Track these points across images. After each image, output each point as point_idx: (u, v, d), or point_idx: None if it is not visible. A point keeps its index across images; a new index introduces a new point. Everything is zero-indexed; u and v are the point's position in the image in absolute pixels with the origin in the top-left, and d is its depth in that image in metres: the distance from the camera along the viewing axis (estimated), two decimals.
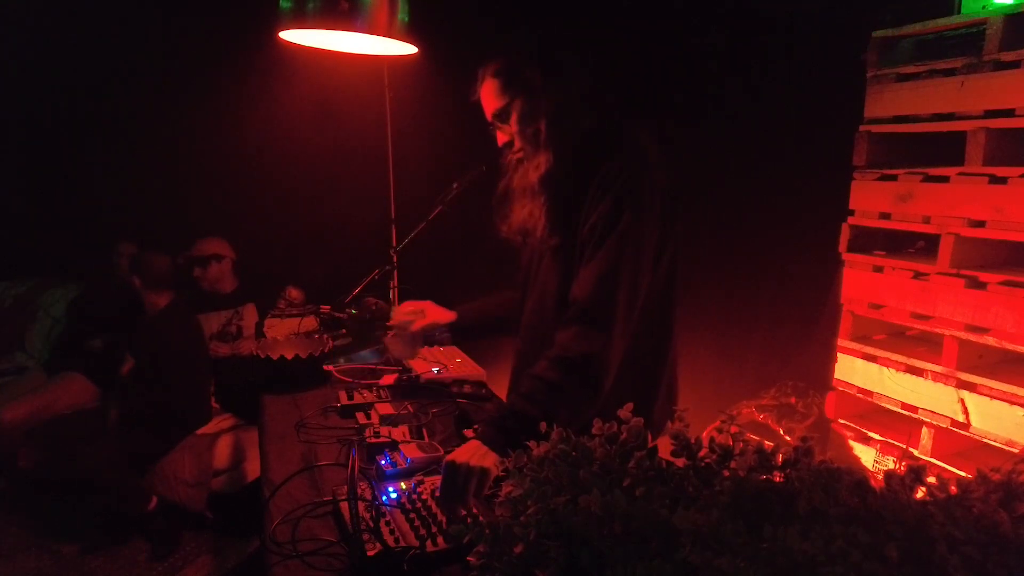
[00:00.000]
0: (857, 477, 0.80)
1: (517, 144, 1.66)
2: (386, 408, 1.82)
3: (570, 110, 1.60)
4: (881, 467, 2.70)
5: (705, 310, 3.23)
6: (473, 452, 1.33)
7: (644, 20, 3.28)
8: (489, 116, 1.68)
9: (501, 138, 1.69)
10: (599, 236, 1.51)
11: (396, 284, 3.09)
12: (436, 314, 2.06)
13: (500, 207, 1.76)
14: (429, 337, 2.22)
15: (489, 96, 1.65)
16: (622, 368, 1.50)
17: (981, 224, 2.37)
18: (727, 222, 3.36)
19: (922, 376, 2.54)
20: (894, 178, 2.63)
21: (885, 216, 2.67)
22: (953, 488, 0.77)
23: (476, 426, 1.69)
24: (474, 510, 1.28)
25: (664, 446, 0.95)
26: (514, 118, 1.63)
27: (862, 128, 2.75)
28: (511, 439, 1.26)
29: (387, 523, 1.25)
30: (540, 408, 1.39)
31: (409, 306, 2.07)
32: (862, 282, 2.75)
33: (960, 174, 2.41)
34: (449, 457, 1.32)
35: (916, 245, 2.83)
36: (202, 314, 3.61)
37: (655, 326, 1.63)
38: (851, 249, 2.80)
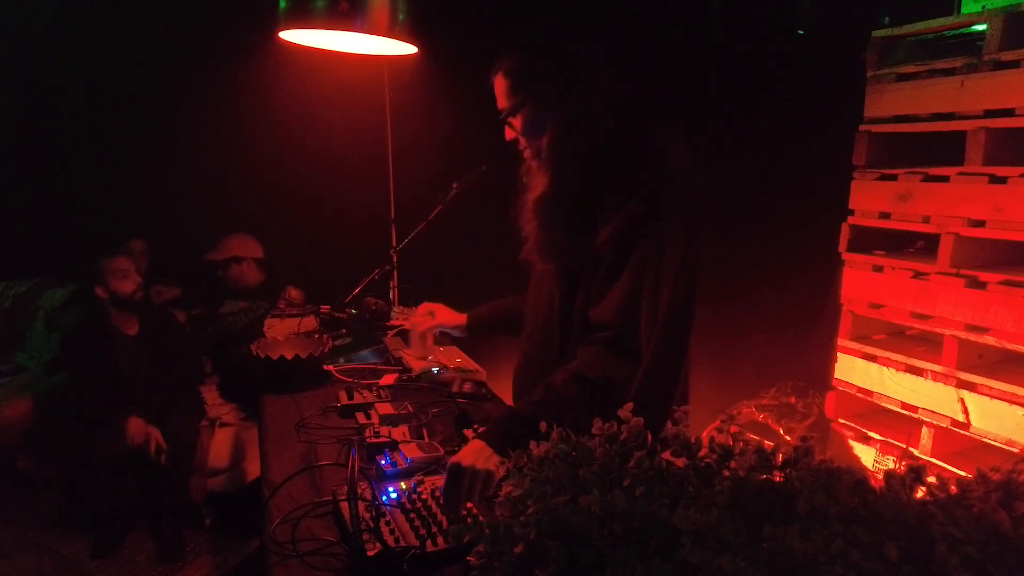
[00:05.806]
0: (857, 477, 0.80)
1: (523, 144, 1.58)
2: (386, 408, 1.82)
3: (584, 122, 1.50)
4: (881, 467, 2.70)
5: (705, 310, 3.23)
6: (478, 454, 1.31)
7: (643, 20, 3.28)
8: (499, 108, 1.58)
9: (509, 134, 1.61)
10: (619, 252, 1.45)
11: (396, 284, 3.10)
12: (445, 317, 2.10)
13: (517, 209, 1.65)
14: (442, 338, 2.29)
15: (499, 93, 1.56)
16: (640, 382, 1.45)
17: (981, 224, 2.37)
18: (727, 222, 3.36)
19: (922, 376, 2.54)
20: (894, 178, 2.63)
21: (885, 216, 2.67)
22: (953, 488, 0.77)
23: (477, 427, 1.69)
24: (475, 511, 1.29)
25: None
26: (520, 124, 1.55)
27: (862, 128, 2.75)
28: (516, 443, 1.20)
29: (387, 523, 1.25)
30: (549, 419, 1.38)
31: (424, 308, 2.15)
32: (862, 282, 2.75)
33: (960, 174, 2.41)
34: (453, 459, 1.30)
35: (916, 245, 2.83)
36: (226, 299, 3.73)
37: (674, 339, 1.52)
38: (851, 249, 2.80)
